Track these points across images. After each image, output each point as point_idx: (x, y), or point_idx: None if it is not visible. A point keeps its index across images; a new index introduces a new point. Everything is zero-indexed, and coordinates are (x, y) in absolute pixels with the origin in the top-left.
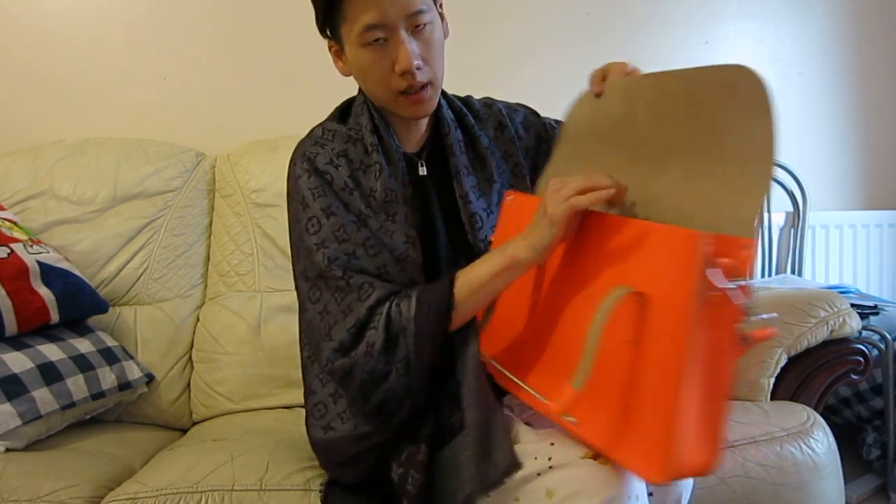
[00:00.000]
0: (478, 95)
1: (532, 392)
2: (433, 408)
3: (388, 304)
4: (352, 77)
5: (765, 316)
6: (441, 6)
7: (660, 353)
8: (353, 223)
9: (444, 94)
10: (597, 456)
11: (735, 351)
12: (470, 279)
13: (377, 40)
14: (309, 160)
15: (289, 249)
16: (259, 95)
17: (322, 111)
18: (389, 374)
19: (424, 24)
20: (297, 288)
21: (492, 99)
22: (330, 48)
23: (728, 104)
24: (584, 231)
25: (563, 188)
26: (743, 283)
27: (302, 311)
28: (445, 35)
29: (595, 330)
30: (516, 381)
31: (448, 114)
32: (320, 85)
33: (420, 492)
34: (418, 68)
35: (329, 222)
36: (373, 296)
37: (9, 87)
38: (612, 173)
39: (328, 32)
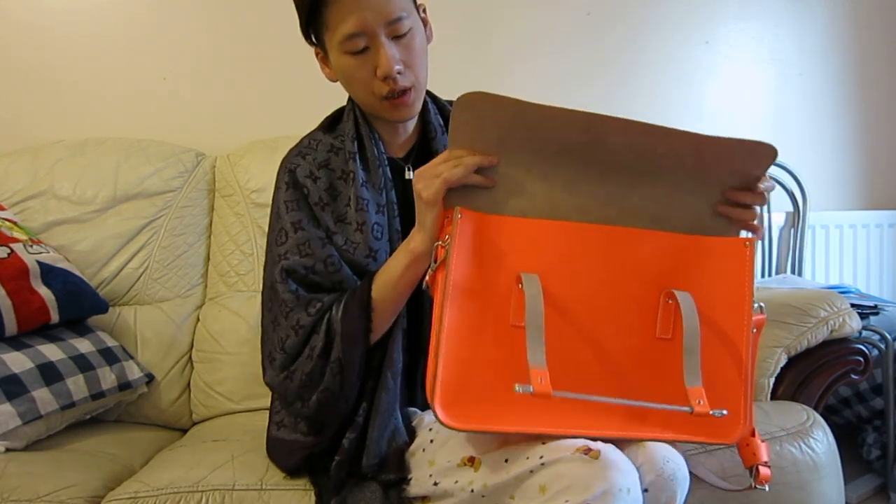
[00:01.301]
0: None
1: (664, 407)
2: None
3: (330, 311)
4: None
5: (760, 305)
6: (424, 11)
7: (727, 339)
8: (319, 239)
9: (435, 99)
10: (588, 451)
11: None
12: (385, 278)
13: (359, 49)
14: (290, 172)
15: None
16: (259, 95)
17: (322, 111)
18: (325, 375)
19: (405, 31)
20: (262, 293)
21: None
22: (316, 54)
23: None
24: (605, 248)
25: (429, 169)
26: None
27: (262, 315)
28: (429, 40)
29: (692, 330)
30: (628, 402)
31: (436, 119)
32: (320, 85)
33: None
34: (399, 73)
35: (296, 236)
36: (319, 307)
37: (9, 87)
38: (581, 186)
39: (313, 39)
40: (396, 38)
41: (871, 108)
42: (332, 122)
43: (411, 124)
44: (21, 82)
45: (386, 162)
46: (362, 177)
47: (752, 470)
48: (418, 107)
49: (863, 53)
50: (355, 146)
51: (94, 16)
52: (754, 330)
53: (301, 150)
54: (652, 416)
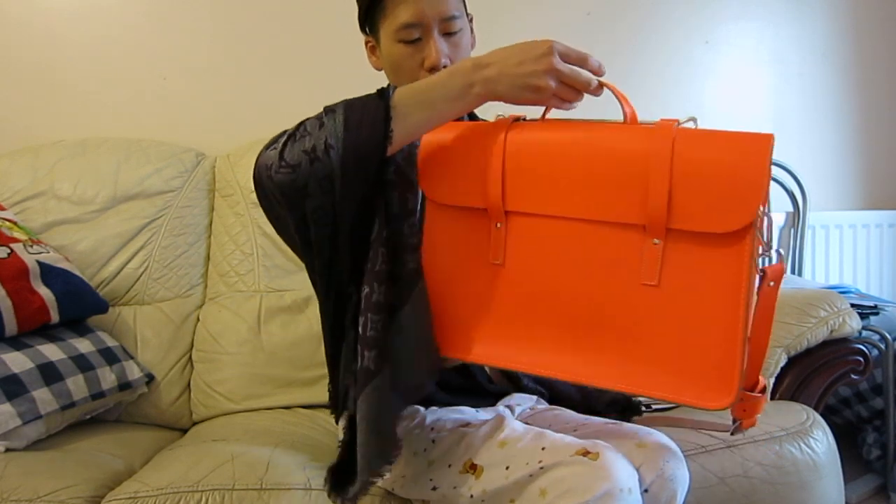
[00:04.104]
0: None
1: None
2: None
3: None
4: (354, 79)
5: (777, 251)
6: (472, 20)
7: (718, 286)
8: None
9: None
10: (587, 453)
11: (751, 285)
12: (417, 84)
13: (412, 38)
14: None
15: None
16: (259, 95)
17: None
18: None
19: (455, 30)
20: None
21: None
22: (366, 43)
23: None
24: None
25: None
26: (768, 214)
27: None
28: (472, 46)
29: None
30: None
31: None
32: (321, 85)
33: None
34: (445, 67)
35: None
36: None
37: (9, 87)
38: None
39: (367, 29)
40: (447, 34)
41: (871, 109)
42: None
43: None
44: (21, 82)
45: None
46: None
47: (735, 420)
48: None
49: (863, 53)
50: None
51: (95, 16)
52: (772, 283)
53: None
54: (633, 373)
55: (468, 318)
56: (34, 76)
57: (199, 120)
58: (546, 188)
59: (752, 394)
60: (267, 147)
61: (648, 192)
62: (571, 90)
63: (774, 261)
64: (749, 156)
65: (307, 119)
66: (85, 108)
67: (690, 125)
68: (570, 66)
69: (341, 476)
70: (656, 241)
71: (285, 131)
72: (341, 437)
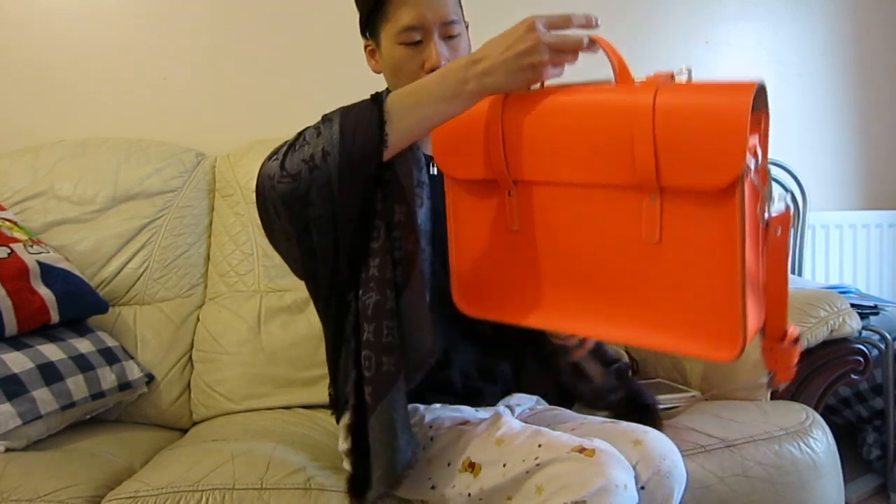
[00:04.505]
0: None
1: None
2: None
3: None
4: (354, 80)
5: (779, 197)
6: (468, 27)
7: (715, 240)
8: None
9: None
10: (583, 450)
11: (757, 236)
12: (410, 86)
13: (413, 41)
14: None
15: None
16: (259, 95)
17: (321, 111)
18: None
19: (455, 34)
20: None
21: None
22: (366, 48)
23: None
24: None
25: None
26: (761, 164)
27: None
28: (469, 51)
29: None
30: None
31: None
32: (320, 85)
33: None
34: None
35: None
36: None
37: (9, 87)
38: None
39: (368, 33)
40: (447, 38)
41: (871, 109)
42: None
43: None
44: (21, 82)
45: (422, 157)
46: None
47: (769, 373)
48: None
49: (863, 53)
50: None
51: (95, 16)
52: (779, 231)
53: None
54: (643, 329)
55: (494, 283)
56: (34, 76)
57: (199, 120)
58: (545, 156)
59: (782, 345)
60: (269, 158)
61: (635, 152)
62: (566, 54)
63: (780, 208)
64: (729, 105)
65: (306, 129)
66: (85, 108)
67: (684, 77)
68: (556, 32)
69: (356, 481)
70: (653, 198)
71: (286, 142)
72: (342, 441)
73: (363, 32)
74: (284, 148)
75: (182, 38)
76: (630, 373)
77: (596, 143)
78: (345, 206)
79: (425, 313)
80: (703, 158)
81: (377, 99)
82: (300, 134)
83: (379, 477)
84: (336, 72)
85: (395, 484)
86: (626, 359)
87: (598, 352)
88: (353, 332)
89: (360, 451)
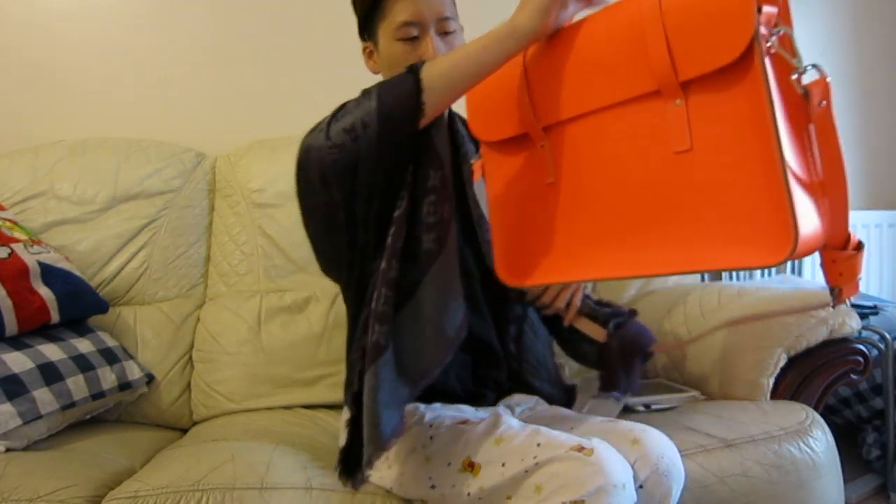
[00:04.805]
0: None
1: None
2: None
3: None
4: (355, 80)
5: (814, 67)
6: (462, 31)
7: (744, 123)
8: None
9: (459, 116)
10: (581, 449)
11: (797, 114)
12: (453, 55)
13: (410, 36)
14: None
15: (288, 250)
16: (259, 95)
17: (322, 112)
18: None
19: (450, 31)
20: None
21: None
22: (364, 49)
23: None
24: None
25: None
26: (783, 31)
27: None
28: None
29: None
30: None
31: (462, 129)
32: (320, 85)
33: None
34: None
35: None
36: None
37: (9, 87)
38: None
39: (366, 34)
40: (443, 34)
41: (871, 109)
42: None
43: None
44: (21, 82)
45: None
46: None
47: (834, 290)
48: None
49: (863, 53)
50: None
51: (95, 16)
52: (823, 103)
53: None
54: (692, 252)
55: (535, 246)
56: (34, 76)
57: (199, 120)
58: (568, 90)
59: (845, 252)
60: (311, 132)
61: (649, 53)
62: None
63: (814, 76)
64: None
65: (348, 101)
66: (85, 108)
67: None
68: None
69: (351, 461)
70: (677, 101)
71: (326, 117)
72: (344, 413)
73: (361, 35)
74: (327, 119)
75: (182, 38)
76: (631, 314)
77: (612, 58)
78: (379, 173)
79: (457, 281)
80: (714, 35)
81: (413, 68)
82: (342, 105)
83: (366, 444)
84: (336, 72)
85: (374, 457)
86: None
87: (592, 313)
88: (369, 302)
89: (357, 421)
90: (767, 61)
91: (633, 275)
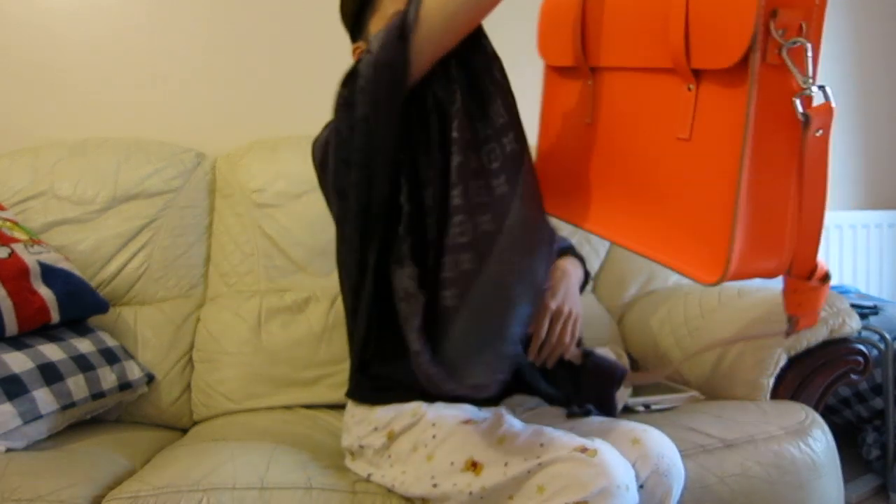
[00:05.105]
0: None
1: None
2: None
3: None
4: None
5: (820, 87)
6: None
7: (717, 136)
8: None
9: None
10: (584, 450)
11: (793, 132)
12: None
13: None
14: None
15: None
16: (259, 95)
17: (321, 111)
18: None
19: None
20: None
21: None
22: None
23: None
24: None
25: None
26: (800, 43)
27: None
28: None
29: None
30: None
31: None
32: (320, 85)
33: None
34: None
35: None
36: None
37: (9, 87)
38: None
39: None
40: None
41: (871, 109)
42: None
43: None
44: (21, 82)
45: None
46: None
47: (792, 319)
48: None
49: (863, 54)
50: None
51: (95, 16)
52: (819, 132)
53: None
54: (653, 237)
55: (564, 178)
56: (34, 76)
57: (199, 120)
58: (614, 40)
59: (810, 283)
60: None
61: (669, 31)
62: None
63: (818, 101)
64: None
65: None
66: (85, 108)
67: None
68: None
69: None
70: (690, 86)
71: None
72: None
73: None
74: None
75: (182, 39)
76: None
77: (646, 25)
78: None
79: (546, 224)
80: (721, 31)
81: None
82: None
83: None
84: (336, 72)
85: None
86: (625, 360)
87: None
88: (409, 231)
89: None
90: (768, 73)
91: (617, 241)
